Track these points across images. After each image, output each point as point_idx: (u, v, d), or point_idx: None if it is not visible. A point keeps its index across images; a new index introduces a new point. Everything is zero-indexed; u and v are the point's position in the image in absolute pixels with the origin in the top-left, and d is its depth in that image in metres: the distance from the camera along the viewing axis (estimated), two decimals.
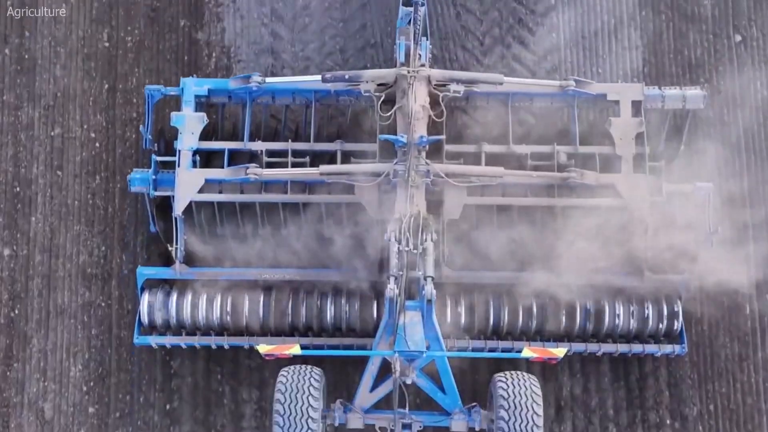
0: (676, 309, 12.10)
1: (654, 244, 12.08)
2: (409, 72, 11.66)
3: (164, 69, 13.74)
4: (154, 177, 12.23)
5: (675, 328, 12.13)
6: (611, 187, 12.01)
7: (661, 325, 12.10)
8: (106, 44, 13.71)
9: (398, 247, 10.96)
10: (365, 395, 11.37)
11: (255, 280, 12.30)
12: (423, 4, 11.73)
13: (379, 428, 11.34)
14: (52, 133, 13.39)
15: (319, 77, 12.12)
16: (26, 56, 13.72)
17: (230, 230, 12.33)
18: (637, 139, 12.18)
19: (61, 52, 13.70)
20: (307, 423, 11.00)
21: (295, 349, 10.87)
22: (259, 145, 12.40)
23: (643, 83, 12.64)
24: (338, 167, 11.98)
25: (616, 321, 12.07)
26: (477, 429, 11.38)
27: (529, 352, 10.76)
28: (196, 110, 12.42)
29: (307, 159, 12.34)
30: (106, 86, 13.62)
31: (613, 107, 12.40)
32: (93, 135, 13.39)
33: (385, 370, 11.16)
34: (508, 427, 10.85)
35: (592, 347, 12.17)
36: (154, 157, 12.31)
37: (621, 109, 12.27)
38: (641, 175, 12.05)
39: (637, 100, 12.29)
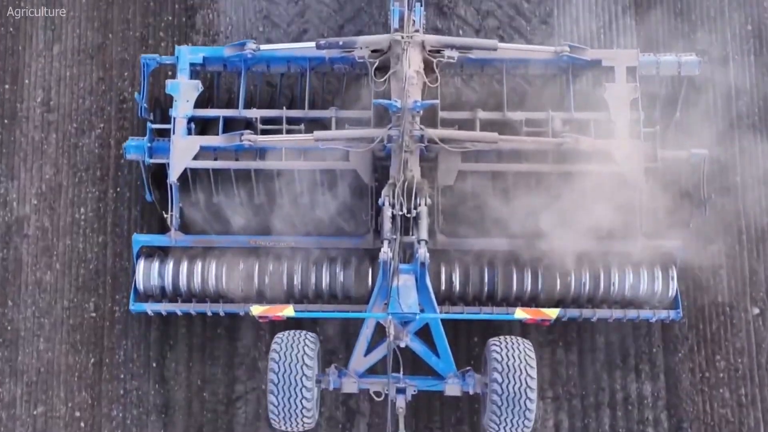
0: (671, 274, 12.12)
1: (649, 210, 12.12)
2: (403, 37, 11.67)
3: None
4: (149, 144, 12.27)
5: (670, 293, 12.15)
6: (606, 153, 12.02)
7: (656, 291, 12.11)
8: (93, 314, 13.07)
9: (392, 212, 11.00)
10: (360, 359, 11.40)
11: (250, 247, 12.36)
12: None
13: (374, 392, 11.38)
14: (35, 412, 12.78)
15: (313, 44, 12.13)
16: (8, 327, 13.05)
17: (225, 198, 12.36)
18: (632, 105, 12.19)
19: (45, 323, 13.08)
20: (301, 388, 11.03)
21: (289, 311, 10.91)
22: (254, 113, 12.41)
23: (638, 49, 12.64)
24: (333, 133, 11.99)
25: (612, 287, 12.08)
26: (471, 393, 11.43)
27: (521, 313, 10.78)
28: (192, 78, 12.47)
29: (302, 126, 12.37)
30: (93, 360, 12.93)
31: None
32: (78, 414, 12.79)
33: (380, 335, 11.21)
34: (502, 390, 10.87)
35: (587, 313, 12.19)
36: (149, 124, 12.35)
37: (616, 75, 12.28)
38: (636, 141, 12.06)
39: (631, 66, 12.29)
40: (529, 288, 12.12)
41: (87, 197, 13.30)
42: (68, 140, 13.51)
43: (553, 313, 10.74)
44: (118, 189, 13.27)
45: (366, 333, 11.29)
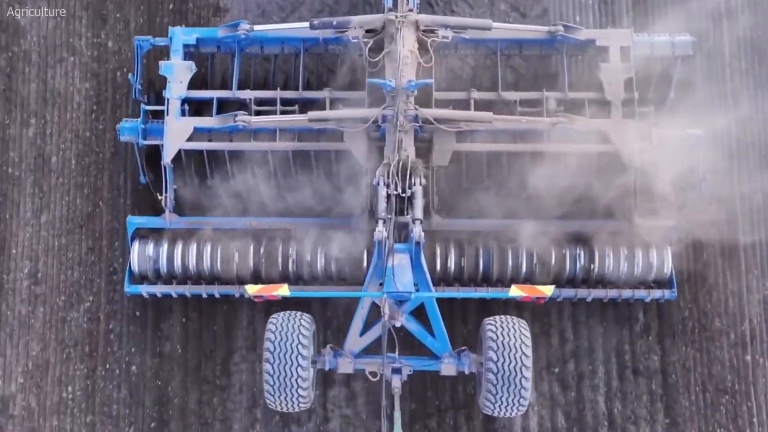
0: (666, 254, 12.13)
1: (643, 190, 12.13)
2: (396, 17, 11.65)
3: None
4: (143, 126, 12.23)
5: (665, 272, 12.15)
6: (601, 132, 12.01)
7: (651, 270, 12.12)
8: None
9: (386, 191, 10.99)
10: (355, 339, 11.38)
11: (245, 229, 12.34)
12: None
13: (369, 373, 11.37)
14: None
15: (307, 24, 12.10)
16: None
17: (220, 179, 12.34)
18: (627, 84, 12.18)
19: None
20: (296, 369, 11.01)
21: (283, 290, 10.89)
22: (247, 94, 12.39)
23: (632, 29, 12.63)
24: (326, 113, 11.96)
25: (606, 267, 12.08)
26: (466, 372, 11.42)
27: (516, 290, 10.77)
28: (185, 60, 12.43)
29: (296, 108, 12.34)
30: None
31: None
32: None
33: (375, 315, 11.19)
34: (497, 368, 10.87)
35: (582, 293, 12.18)
36: (143, 106, 12.31)
37: (610, 55, 12.27)
38: (630, 121, 12.05)
39: (625, 46, 12.28)
40: (524, 268, 12.11)
41: (75, 375, 12.82)
42: (56, 314, 12.96)
43: (548, 290, 10.73)
44: (107, 366, 12.79)
45: (361, 313, 11.27)
